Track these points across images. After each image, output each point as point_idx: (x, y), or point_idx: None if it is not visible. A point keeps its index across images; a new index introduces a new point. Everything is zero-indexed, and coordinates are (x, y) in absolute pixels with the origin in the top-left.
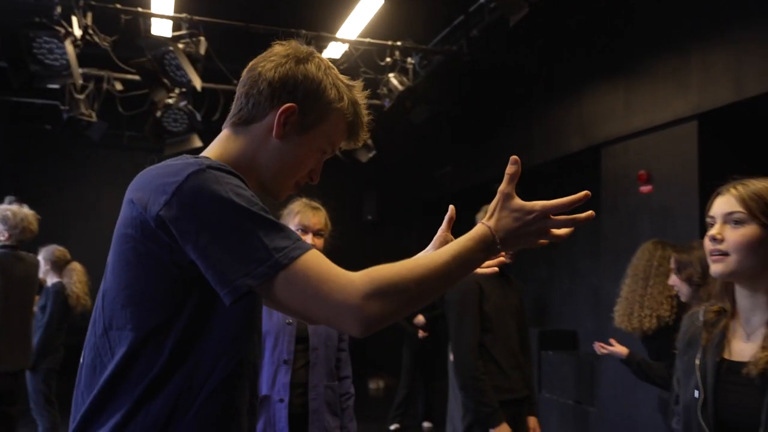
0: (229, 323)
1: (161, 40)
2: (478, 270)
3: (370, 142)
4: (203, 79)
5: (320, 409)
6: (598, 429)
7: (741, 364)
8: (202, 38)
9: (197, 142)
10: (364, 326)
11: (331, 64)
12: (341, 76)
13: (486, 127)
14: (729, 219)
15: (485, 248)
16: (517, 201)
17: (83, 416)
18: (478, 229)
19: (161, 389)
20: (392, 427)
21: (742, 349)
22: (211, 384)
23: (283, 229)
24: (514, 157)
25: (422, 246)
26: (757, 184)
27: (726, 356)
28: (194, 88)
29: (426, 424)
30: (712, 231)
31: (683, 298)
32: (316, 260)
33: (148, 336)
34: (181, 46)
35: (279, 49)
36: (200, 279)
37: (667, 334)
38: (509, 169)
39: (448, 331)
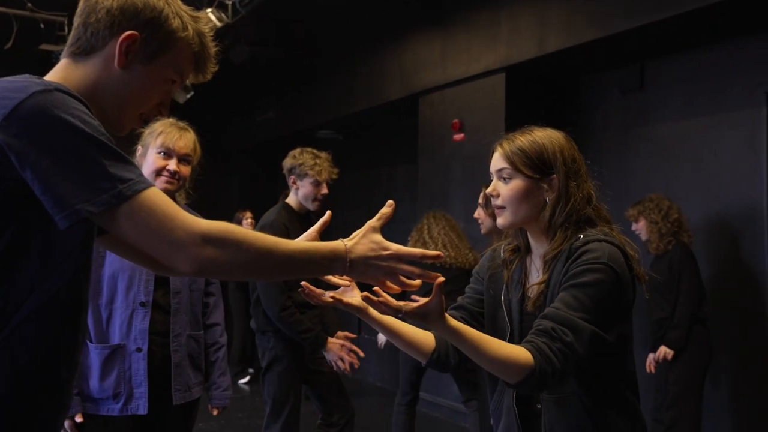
0: (56, 251)
1: None
2: (334, 279)
3: (187, 82)
4: None
5: (183, 362)
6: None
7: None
8: None
9: None
10: (195, 266)
11: None
12: (184, 7)
13: (309, 73)
14: (500, 175)
15: (334, 259)
16: (379, 236)
17: None
18: (336, 243)
19: None
20: (242, 381)
21: (540, 288)
22: (24, 311)
23: (129, 162)
24: (390, 202)
25: (244, 191)
26: (522, 139)
27: (529, 294)
28: None
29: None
30: (489, 188)
31: (483, 231)
32: (161, 197)
33: None
34: None
35: None
36: (29, 199)
37: None
38: (385, 210)
39: None
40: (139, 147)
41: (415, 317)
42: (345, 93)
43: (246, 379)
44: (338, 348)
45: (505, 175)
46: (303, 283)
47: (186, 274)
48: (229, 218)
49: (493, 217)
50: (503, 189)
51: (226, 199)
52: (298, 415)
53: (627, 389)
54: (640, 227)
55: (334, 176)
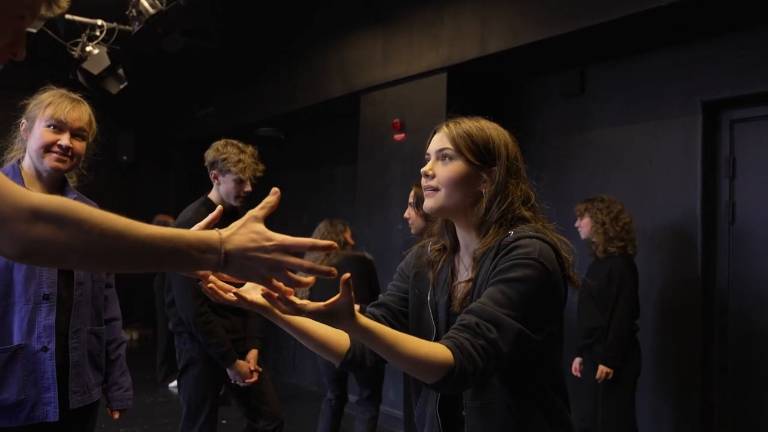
0: None
1: None
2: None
3: (121, 71)
4: None
5: (82, 361)
6: None
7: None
8: None
9: None
10: (20, 247)
11: None
12: None
13: (250, 69)
14: (440, 155)
15: (205, 250)
16: (261, 226)
17: None
18: (209, 232)
19: None
20: (172, 384)
21: (466, 287)
22: None
23: None
24: (275, 189)
25: (181, 189)
26: (469, 123)
27: (455, 294)
28: None
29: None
30: (425, 167)
31: (414, 231)
32: None
33: None
34: None
35: None
36: None
37: None
38: (269, 198)
39: (168, 274)
40: (23, 120)
41: (322, 317)
42: (286, 90)
43: (175, 383)
44: (246, 373)
45: (445, 155)
46: (201, 273)
47: (8, 256)
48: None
49: (424, 218)
50: (441, 170)
51: (161, 197)
52: (216, 420)
53: (556, 395)
54: (583, 224)
55: (258, 173)
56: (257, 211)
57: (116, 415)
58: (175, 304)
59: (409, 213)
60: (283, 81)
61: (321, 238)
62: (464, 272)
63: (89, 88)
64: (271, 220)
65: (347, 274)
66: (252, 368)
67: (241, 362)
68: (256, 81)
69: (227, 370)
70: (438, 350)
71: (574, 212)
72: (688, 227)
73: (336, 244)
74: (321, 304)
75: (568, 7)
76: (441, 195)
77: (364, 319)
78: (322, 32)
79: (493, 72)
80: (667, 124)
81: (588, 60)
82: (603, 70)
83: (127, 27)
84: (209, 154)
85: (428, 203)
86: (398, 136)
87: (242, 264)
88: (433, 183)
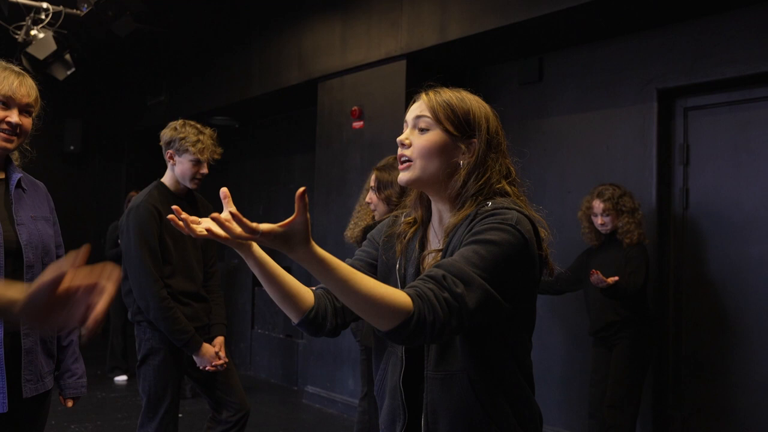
0: None
1: None
2: None
3: (68, 57)
4: None
5: (35, 348)
6: (305, 359)
7: None
8: None
9: None
10: None
11: None
12: None
13: (204, 56)
14: (417, 123)
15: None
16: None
17: None
18: (19, 289)
19: None
20: (119, 378)
21: (435, 257)
22: None
23: None
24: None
25: (131, 180)
26: (449, 93)
27: (424, 265)
28: None
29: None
30: (402, 136)
31: (377, 216)
32: None
33: None
34: None
35: None
36: None
37: None
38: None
39: (122, 260)
40: None
41: (275, 240)
42: (242, 77)
43: (123, 377)
44: (212, 356)
45: (422, 125)
46: (174, 207)
47: None
48: (115, 207)
49: (386, 202)
50: (417, 139)
51: (113, 186)
52: (177, 412)
53: (523, 378)
54: (606, 214)
55: (216, 156)
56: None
57: (69, 403)
58: (132, 293)
59: (371, 197)
60: (238, 68)
61: None
62: (436, 244)
63: (34, 74)
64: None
65: (302, 188)
66: (221, 354)
67: (206, 345)
68: (210, 68)
69: (193, 356)
70: (397, 295)
71: (585, 204)
72: (643, 212)
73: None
74: (275, 225)
75: None
76: (416, 166)
77: (320, 249)
78: (279, 18)
79: (452, 59)
80: (623, 111)
81: (546, 48)
82: (561, 58)
83: (75, 10)
84: (166, 133)
85: (403, 175)
86: (357, 124)
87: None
88: (408, 152)
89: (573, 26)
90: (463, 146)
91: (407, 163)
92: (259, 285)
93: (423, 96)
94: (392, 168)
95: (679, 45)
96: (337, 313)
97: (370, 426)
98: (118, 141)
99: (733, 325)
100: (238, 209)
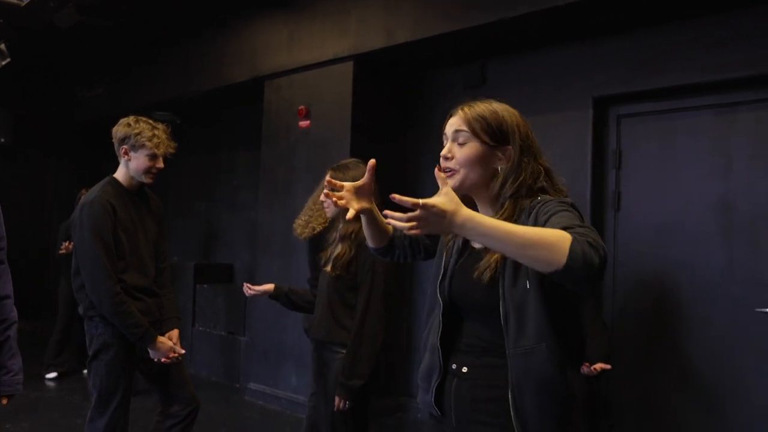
0: None
1: None
2: None
3: (3, 46)
4: None
5: None
6: (248, 356)
7: (478, 256)
8: None
9: None
10: None
11: None
12: None
13: (146, 49)
14: (456, 137)
15: None
16: None
17: None
18: None
19: None
20: (50, 375)
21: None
22: None
23: None
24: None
25: (66, 175)
26: (482, 106)
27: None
28: None
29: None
30: (444, 150)
31: (329, 214)
32: None
33: None
34: None
35: None
36: None
37: (319, 242)
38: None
39: (74, 256)
40: None
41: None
42: (185, 72)
43: (54, 374)
44: (167, 349)
45: (461, 139)
46: (328, 179)
47: None
48: (46, 203)
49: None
50: (458, 151)
51: (44, 182)
52: (128, 407)
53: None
54: None
55: (171, 150)
56: None
57: (4, 401)
58: (84, 288)
59: (324, 197)
60: (181, 63)
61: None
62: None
63: None
64: (167, 208)
65: (373, 161)
66: (177, 347)
67: (161, 338)
68: (152, 62)
69: (149, 350)
70: (557, 232)
71: None
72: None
73: None
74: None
75: (471, 2)
76: (459, 175)
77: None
78: (225, 13)
79: (399, 62)
80: (562, 117)
81: (489, 53)
82: (503, 64)
83: (16, 0)
84: (119, 130)
85: (450, 183)
86: (304, 123)
87: None
88: (451, 164)
89: (515, 34)
90: (499, 153)
91: (451, 173)
92: (201, 282)
93: (459, 111)
94: (347, 168)
95: (615, 56)
96: (405, 251)
97: (319, 422)
98: (53, 134)
99: (659, 319)
100: (178, 205)
